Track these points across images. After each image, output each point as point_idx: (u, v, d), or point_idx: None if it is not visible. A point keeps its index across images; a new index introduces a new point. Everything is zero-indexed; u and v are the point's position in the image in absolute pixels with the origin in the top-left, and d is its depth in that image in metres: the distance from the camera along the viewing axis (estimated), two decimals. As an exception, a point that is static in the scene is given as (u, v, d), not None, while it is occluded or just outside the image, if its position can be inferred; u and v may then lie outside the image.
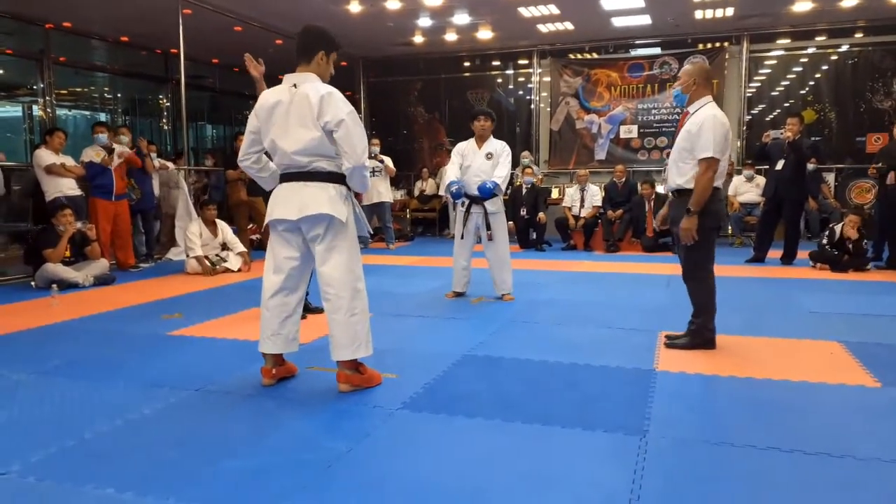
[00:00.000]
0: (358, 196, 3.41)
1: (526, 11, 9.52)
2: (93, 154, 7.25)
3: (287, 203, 3.13)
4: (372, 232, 3.27)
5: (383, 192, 9.62)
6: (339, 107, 3.05)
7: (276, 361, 3.35)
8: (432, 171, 12.09)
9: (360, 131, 3.11)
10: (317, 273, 3.22)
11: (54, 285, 5.87)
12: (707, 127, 3.70)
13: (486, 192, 5.34)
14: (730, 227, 9.65)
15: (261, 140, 3.22)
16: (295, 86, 3.10)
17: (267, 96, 3.18)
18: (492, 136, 5.49)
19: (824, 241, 7.15)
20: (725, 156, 3.77)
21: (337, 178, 3.15)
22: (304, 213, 3.09)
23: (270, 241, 3.28)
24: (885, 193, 7.15)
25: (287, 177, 3.18)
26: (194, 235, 7.18)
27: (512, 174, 10.50)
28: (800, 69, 10.99)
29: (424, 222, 11.98)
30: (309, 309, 4.73)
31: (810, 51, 10.92)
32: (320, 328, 4.21)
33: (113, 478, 2.33)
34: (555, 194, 10.68)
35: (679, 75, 3.97)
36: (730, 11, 9.61)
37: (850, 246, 6.93)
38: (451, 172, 5.48)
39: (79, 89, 11.60)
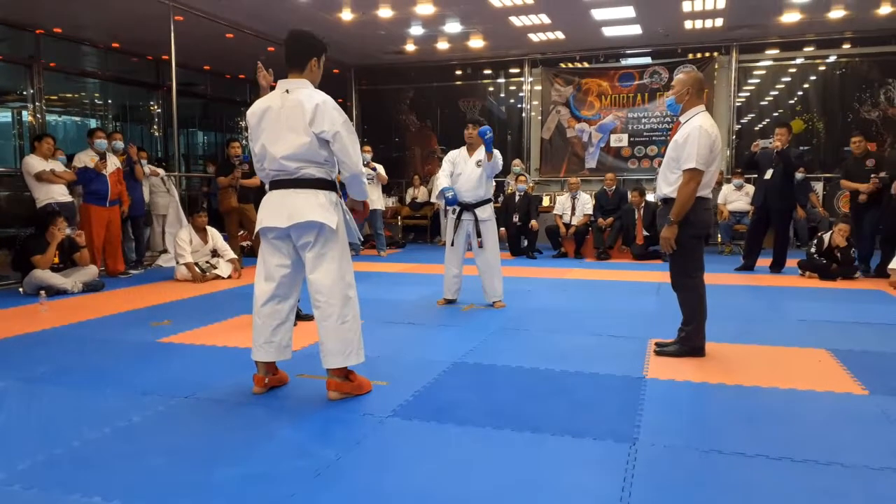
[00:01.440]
0: (363, 209, 3.41)
1: (517, 21, 9.57)
2: (86, 159, 7.22)
3: (277, 211, 3.13)
4: (363, 239, 3.28)
5: (375, 199, 9.62)
6: (335, 117, 3.06)
7: (268, 369, 3.33)
8: (424, 178, 12.10)
9: (354, 140, 3.13)
10: (307, 280, 3.21)
11: (42, 292, 5.83)
12: (692, 138, 3.72)
13: (485, 134, 5.18)
14: (719, 236, 9.71)
15: None
16: (287, 91, 3.11)
17: (256, 104, 3.20)
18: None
19: (812, 250, 7.20)
20: (713, 167, 3.79)
21: (326, 184, 3.15)
22: (293, 220, 3.08)
23: (261, 249, 3.28)
24: (888, 202, 7.18)
25: (276, 184, 3.17)
26: (184, 242, 7.15)
27: (504, 182, 10.61)
28: (788, 79, 11.10)
29: (416, 229, 11.99)
30: (300, 316, 4.71)
31: (799, 61, 11.03)
32: (310, 335, 4.20)
33: (100, 486, 2.31)
34: (546, 202, 10.71)
35: (672, 84, 3.99)
36: (719, 22, 9.69)
37: (839, 254, 6.98)
38: (442, 180, 5.49)
39: (69, 95, 11.55)
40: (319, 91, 3.14)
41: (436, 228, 11.49)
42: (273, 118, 3.10)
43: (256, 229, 3.25)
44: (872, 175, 7.35)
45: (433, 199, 10.10)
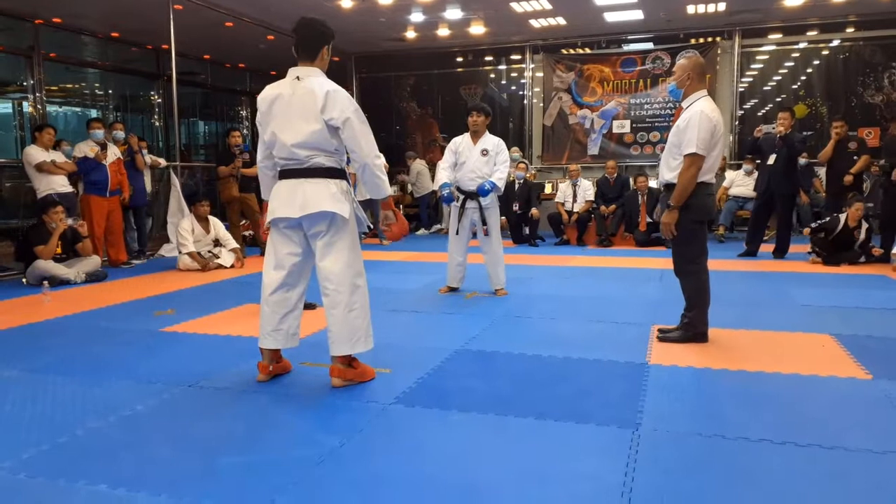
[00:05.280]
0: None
1: (518, 6, 9.51)
2: (86, 149, 7.22)
3: (289, 201, 3.11)
4: (371, 226, 3.27)
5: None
6: (346, 105, 3.05)
7: (273, 357, 3.34)
8: (427, 166, 12.06)
9: (366, 129, 3.12)
10: (316, 268, 3.21)
11: (46, 282, 5.84)
12: (693, 123, 3.71)
13: (485, 193, 5.35)
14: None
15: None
16: (298, 78, 3.09)
17: (267, 90, 3.17)
18: (487, 132, 5.48)
19: (821, 234, 7.06)
20: (715, 151, 3.77)
21: (337, 173, 3.15)
22: (306, 210, 3.08)
23: (271, 238, 3.27)
24: (889, 187, 7.18)
25: (286, 173, 3.16)
26: (186, 232, 7.15)
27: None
28: (791, 64, 11.02)
29: (418, 218, 11.96)
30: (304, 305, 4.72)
31: (801, 46, 10.95)
32: (313, 324, 4.21)
33: (105, 474, 2.32)
34: (548, 189, 10.68)
35: (673, 70, 3.97)
36: (721, 6, 9.62)
37: (860, 235, 6.87)
38: (442, 174, 5.48)
39: (69, 85, 11.52)
40: (330, 81, 3.13)
41: (429, 218, 11.47)
42: (284, 106, 3.08)
43: (268, 220, 3.24)
44: (875, 164, 7.40)
45: (434, 188, 10.07)
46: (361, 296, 3.21)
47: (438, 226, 11.27)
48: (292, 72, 3.14)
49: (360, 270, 3.22)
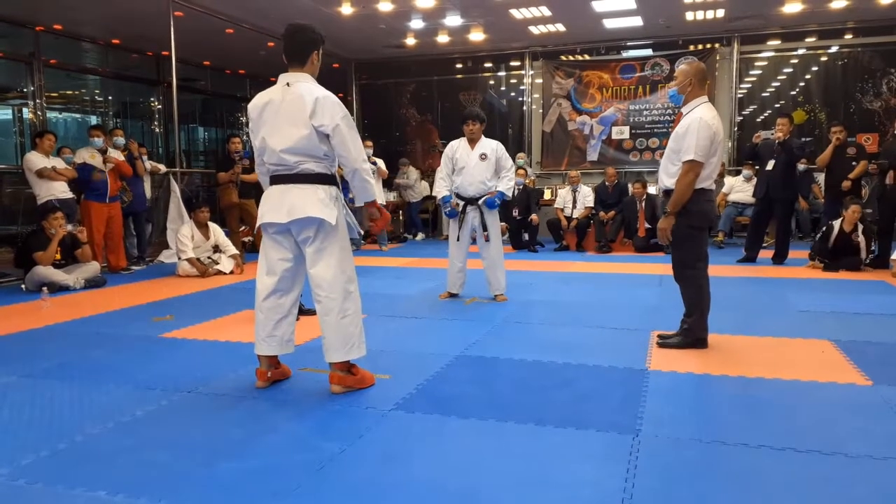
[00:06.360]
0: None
1: (517, 13, 9.54)
2: (87, 156, 7.22)
3: (277, 206, 3.12)
4: (363, 233, 3.24)
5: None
6: (335, 111, 3.05)
7: (271, 363, 3.34)
8: (425, 172, 12.08)
9: (354, 135, 3.13)
10: (308, 275, 3.21)
11: (45, 288, 5.85)
12: (692, 130, 3.71)
13: (494, 206, 5.41)
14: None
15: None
16: (288, 84, 3.10)
17: (257, 97, 3.19)
18: (483, 136, 5.48)
19: (819, 241, 7.08)
20: (714, 158, 3.78)
21: (326, 179, 3.15)
22: (293, 216, 3.08)
23: (262, 244, 3.28)
24: (883, 192, 7.22)
25: (276, 179, 3.17)
26: (186, 238, 7.15)
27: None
28: (790, 70, 11.05)
29: (414, 224, 11.97)
30: (302, 311, 4.71)
31: (800, 52, 10.98)
32: (313, 330, 4.20)
33: (104, 480, 2.32)
34: (547, 195, 10.69)
35: (675, 75, 3.98)
36: (720, 13, 9.65)
37: (859, 240, 6.88)
38: (441, 185, 5.49)
39: (70, 92, 11.53)
40: (320, 86, 3.14)
41: (424, 224, 11.47)
42: (273, 112, 3.10)
43: (257, 224, 3.25)
44: (872, 162, 7.44)
45: (434, 193, 10.12)
46: (354, 302, 3.21)
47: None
48: (282, 78, 3.15)
49: (351, 276, 3.22)
